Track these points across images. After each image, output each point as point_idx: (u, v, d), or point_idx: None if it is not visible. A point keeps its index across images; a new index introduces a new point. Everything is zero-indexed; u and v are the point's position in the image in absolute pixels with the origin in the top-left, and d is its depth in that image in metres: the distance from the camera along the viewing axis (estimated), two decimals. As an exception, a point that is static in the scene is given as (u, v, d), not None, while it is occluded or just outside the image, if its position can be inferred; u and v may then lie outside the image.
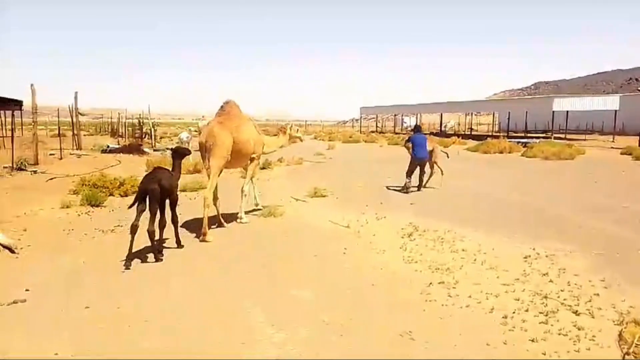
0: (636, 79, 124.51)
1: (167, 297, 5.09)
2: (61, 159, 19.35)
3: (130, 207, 6.35)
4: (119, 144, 26.82)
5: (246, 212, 8.68)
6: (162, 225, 6.43)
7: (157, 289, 5.29)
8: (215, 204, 8.01)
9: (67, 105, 26.94)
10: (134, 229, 6.12)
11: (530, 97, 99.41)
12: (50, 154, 20.16)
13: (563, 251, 6.64)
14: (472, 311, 4.68)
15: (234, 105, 8.19)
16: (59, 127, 25.56)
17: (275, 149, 9.87)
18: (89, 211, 9.33)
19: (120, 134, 36.18)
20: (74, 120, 25.59)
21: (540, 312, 4.58)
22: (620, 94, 49.40)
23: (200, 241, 7.20)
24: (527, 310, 4.64)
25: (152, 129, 30.47)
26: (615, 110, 36.56)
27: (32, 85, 17.13)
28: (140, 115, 34.22)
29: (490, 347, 3.96)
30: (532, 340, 4.04)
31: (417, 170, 12.04)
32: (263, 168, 12.99)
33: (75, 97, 25.33)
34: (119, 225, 8.11)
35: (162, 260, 6.25)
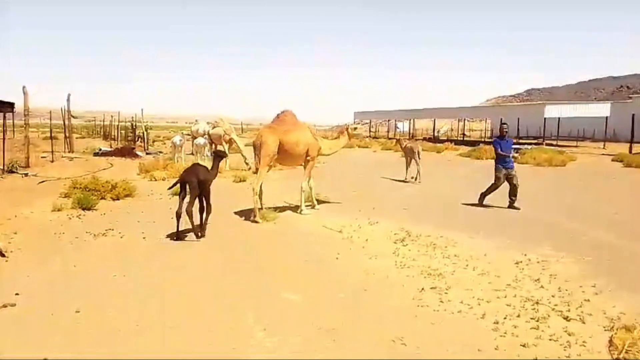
0: (627, 87, 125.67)
1: (157, 301, 5.05)
2: (53, 161, 19.24)
3: (169, 188, 8.44)
4: (111, 147, 26.70)
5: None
6: (201, 209, 7.67)
7: (148, 294, 5.26)
8: (260, 197, 9.10)
9: (60, 108, 26.82)
10: (178, 214, 7.36)
11: (522, 103, 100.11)
12: (42, 157, 20.05)
13: (554, 257, 6.68)
14: (463, 317, 4.69)
15: (288, 114, 9.63)
16: (50, 130, 25.43)
17: (336, 150, 10.60)
18: (80, 214, 9.26)
19: (113, 137, 36.02)
20: (66, 122, 25.46)
21: (532, 318, 4.60)
22: (611, 101, 49.90)
23: (251, 222, 8.66)
24: (518, 316, 4.66)
25: (145, 132, 30.35)
26: (606, 117, 36.92)
27: (24, 87, 17.04)
28: (133, 118, 34.11)
29: (482, 353, 3.97)
30: (524, 346, 4.05)
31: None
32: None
33: (68, 100, 25.23)
34: (110, 229, 8.06)
35: (204, 236, 7.52)
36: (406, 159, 15.30)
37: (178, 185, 7.56)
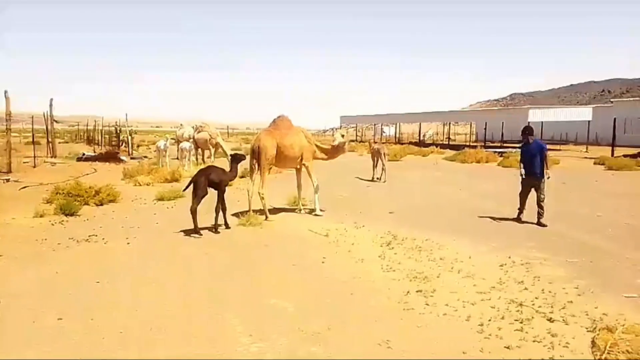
0: (608, 91, 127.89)
1: (142, 307, 5.00)
2: (35, 167, 18.97)
3: (184, 190, 8.64)
4: (95, 152, 26.42)
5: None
6: (217, 210, 8.20)
7: (132, 300, 5.20)
8: (250, 201, 9.26)
9: (42, 112, 26.48)
10: (193, 212, 7.90)
11: (506, 107, 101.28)
12: (24, 162, 19.73)
13: (538, 259, 6.75)
14: (449, 319, 4.71)
15: (284, 119, 9.95)
16: (33, 135, 25.07)
17: (331, 157, 10.60)
18: (62, 220, 9.14)
19: (97, 141, 35.65)
20: (49, 127, 25.15)
21: (516, 320, 4.64)
22: (593, 105, 50.76)
23: (265, 219, 9.04)
24: (502, 318, 4.69)
25: (129, 137, 30.09)
26: (588, 121, 37.51)
27: (5, 92, 16.80)
28: (117, 122, 33.80)
29: (467, 355, 3.99)
30: (508, 348, 4.09)
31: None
32: (242, 177, 12.92)
33: (51, 104, 24.91)
34: (94, 235, 7.97)
35: (219, 232, 8.13)
36: (373, 160, 16.38)
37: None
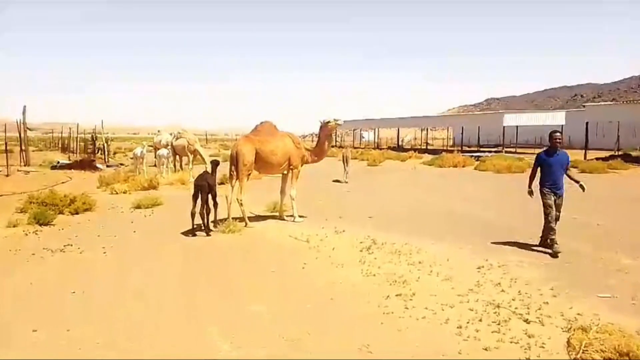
0: (581, 95, 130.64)
1: (120, 317, 4.93)
2: (8, 175, 18.56)
3: (193, 195, 8.73)
4: (70, 160, 25.95)
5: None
6: (207, 211, 8.57)
7: (109, 310, 5.13)
8: (229, 207, 9.20)
9: (15, 120, 25.92)
10: (192, 214, 8.49)
11: (482, 112, 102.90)
12: (-4, 171, 19.28)
13: (514, 262, 6.86)
14: (428, 322, 4.76)
15: (266, 124, 9.83)
16: (5, 143, 24.49)
17: (322, 157, 10.46)
18: (37, 230, 8.95)
19: (72, 149, 35.02)
20: (22, 135, 24.62)
21: (493, 322, 4.71)
22: (566, 110, 51.90)
23: (245, 226, 9.04)
24: (480, 320, 4.76)
25: (106, 144, 29.65)
26: (562, 125, 38.33)
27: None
28: (93, 129, 33.28)
29: (446, 358, 4.04)
30: (486, 349, 4.14)
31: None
32: (221, 183, 12.84)
33: (24, 112, 24.44)
34: (69, 245, 7.82)
35: (210, 235, 8.43)
36: (343, 163, 18.35)
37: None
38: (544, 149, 7.86)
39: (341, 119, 10.09)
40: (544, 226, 7.55)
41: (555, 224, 7.39)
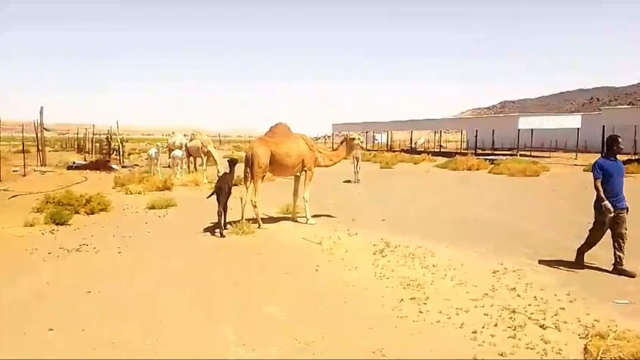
0: (597, 99, 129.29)
1: (134, 317, 4.96)
2: (25, 175, 18.83)
3: (208, 197, 9.29)
4: (85, 160, 26.25)
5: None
6: (221, 212, 8.75)
7: (124, 310, 5.16)
8: (242, 209, 9.28)
9: (32, 121, 26.30)
10: (219, 214, 8.72)
11: (496, 115, 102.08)
12: (14, 171, 19.60)
13: (530, 266, 6.78)
14: (442, 327, 4.72)
15: (281, 126, 9.95)
16: (22, 143, 24.86)
17: (337, 161, 10.71)
18: (53, 230, 9.06)
19: (87, 150, 35.42)
20: (39, 135, 24.97)
21: (509, 327, 4.66)
22: (582, 113, 51.29)
23: (258, 228, 9.10)
24: (495, 325, 4.71)
25: (121, 145, 29.95)
26: (578, 129, 37.86)
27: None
28: (108, 130, 33.63)
29: (461, 363, 4.00)
30: (501, 355, 4.10)
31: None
32: (235, 185, 12.89)
33: (41, 112, 24.77)
34: (84, 244, 7.90)
35: (224, 236, 8.50)
36: (353, 163, 18.75)
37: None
38: (603, 155, 6.91)
39: (362, 138, 11.20)
40: (587, 239, 6.82)
41: (625, 242, 6.48)
